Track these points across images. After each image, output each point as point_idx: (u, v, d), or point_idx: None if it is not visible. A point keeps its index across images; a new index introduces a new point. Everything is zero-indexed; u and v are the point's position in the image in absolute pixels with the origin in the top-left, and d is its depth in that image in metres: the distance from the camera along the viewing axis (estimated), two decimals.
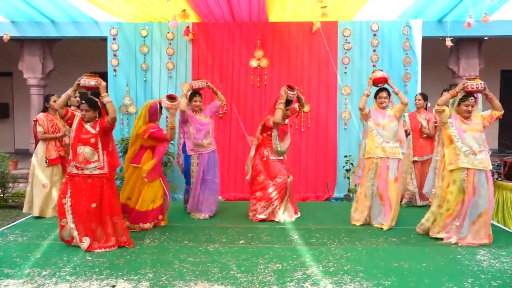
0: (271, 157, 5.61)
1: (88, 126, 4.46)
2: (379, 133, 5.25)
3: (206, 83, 5.76)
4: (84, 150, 4.39)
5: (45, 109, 5.97)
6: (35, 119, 5.89)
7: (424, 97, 6.45)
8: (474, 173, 4.52)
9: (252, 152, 5.70)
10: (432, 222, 4.83)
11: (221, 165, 7.19)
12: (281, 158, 5.70)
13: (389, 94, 5.35)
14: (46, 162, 5.72)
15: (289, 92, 5.38)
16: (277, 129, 5.56)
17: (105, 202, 4.43)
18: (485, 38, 7.49)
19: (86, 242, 4.36)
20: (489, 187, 4.58)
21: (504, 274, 3.77)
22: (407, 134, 6.52)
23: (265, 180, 5.60)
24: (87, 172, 4.38)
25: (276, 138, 5.58)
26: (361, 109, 5.33)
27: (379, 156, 5.20)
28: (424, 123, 6.32)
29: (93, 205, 4.37)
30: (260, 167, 5.63)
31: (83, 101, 4.49)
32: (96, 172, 4.40)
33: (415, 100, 6.47)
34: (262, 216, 5.55)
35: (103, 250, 4.34)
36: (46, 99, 5.98)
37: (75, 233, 4.39)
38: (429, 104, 6.54)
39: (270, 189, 5.55)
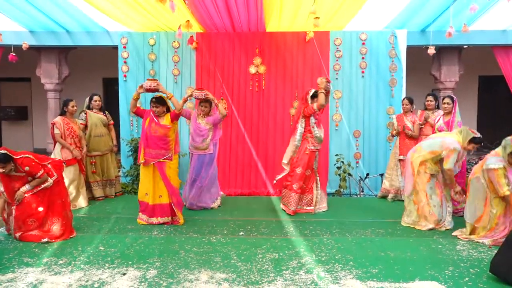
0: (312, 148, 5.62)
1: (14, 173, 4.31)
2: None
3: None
4: (27, 188, 4.37)
5: (62, 113, 5.95)
6: (52, 122, 5.87)
7: (411, 101, 6.41)
8: None
9: (298, 144, 5.64)
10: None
11: (222, 163, 7.22)
12: (319, 148, 5.71)
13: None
14: (64, 163, 5.70)
15: (329, 85, 5.46)
16: (315, 117, 5.56)
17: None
18: (465, 46, 7.50)
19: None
20: None
21: (481, 263, 3.78)
22: (395, 135, 6.54)
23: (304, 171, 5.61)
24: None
25: (315, 125, 5.59)
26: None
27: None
28: (409, 125, 6.32)
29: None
30: (305, 159, 5.59)
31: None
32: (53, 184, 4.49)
33: (402, 104, 6.46)
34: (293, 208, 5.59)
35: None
36: (65, 103, 5.94)
37: None
38: (414, 107, 6.55)
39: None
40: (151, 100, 5.01)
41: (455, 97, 5.71)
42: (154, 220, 5.05)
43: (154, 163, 4.96)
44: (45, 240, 4.33)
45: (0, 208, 4.49)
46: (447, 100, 5.76)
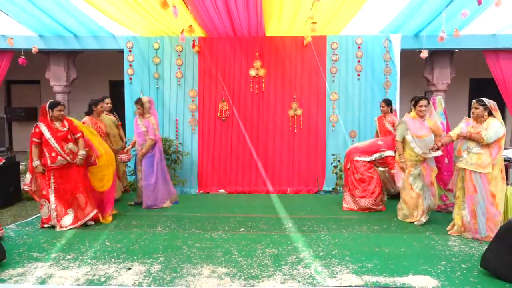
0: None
1: (58, 125, 4.78)
2: (417, 145, 4.83)
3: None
4: (69, 146, 4.77)
5: (90, 113, 5.94)
6: (83, 121, 5.86)
7: (387, 103, 6.22)
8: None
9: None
10: None
11: (224, 162, 7.22)
12: None
13: (428, 103, 4.93)
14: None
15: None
16: None
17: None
18: (456, 50, 7.49)
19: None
20: None
21: (472, 258, 3.78)
22: (377, 134, 6.43)
23: None
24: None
25: None
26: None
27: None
28: (389, 126, 6.19)
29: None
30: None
31: (61, 103, 4.83)
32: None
33: (380, 107, 6.32)
34: None
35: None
36: (95, 103, 5.92)
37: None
38: (394, 107, 6.47)
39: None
40: None
41: (432, 99, 5.66)
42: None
43: None
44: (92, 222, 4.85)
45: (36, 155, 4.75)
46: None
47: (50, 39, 7.37)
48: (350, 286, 3.20)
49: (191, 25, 6.14)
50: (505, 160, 5.00)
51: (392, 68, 7.12)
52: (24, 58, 6.75)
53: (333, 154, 6.93)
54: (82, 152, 4.82)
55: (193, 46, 7.10)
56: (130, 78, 7.32)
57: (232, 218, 5.23)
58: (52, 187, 4.70)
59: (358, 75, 7.17)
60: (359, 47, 7.16)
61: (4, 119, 7.54)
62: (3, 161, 6.07)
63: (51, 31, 7.15)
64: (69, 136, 4.77)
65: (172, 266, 3.57)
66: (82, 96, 7.14)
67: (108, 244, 4.17)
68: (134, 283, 3.24)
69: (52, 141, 4.64)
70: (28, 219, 5.19)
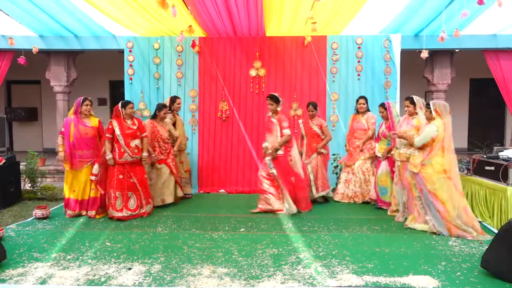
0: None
1: (129, 123, 5.24)
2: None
3: None
4: (135, 142, 5.21)
5: (154, 117, 5.93)
6: None
7: (315, 106, 6.06)
8: None
9: None
10: None
11: (224, 163, 7.22)
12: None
13: (412, 102, 5.05)
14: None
15: None
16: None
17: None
18: (456, 50, 7.49)
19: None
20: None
21: (473, 258, 3.77)
22: (302, 137, 6.24)
23: None
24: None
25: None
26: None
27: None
28: (316, 129, 6.04)
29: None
30: None
31: (131, 102, 5.33)
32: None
33: (308, 111, 6.12)
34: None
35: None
36: (159, 109, 5.89)
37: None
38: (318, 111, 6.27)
39: None
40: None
41: (387, 103, 5.61)
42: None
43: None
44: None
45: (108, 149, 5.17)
46: (380, 108, 5.69)
47: (51, 39, 7.38)
48: (350, 286, 3.19)
49: (190, 25, 6.13)
50: (505, 160, 4.99)
51: (392, 68, 7.12)
52: (24, 58, 6.75)
53: (333, 154, 6.90)
54: (144, 154, 5.29)
55: (193, 46, 7.10)
56: (131, 78, 7.31)
57: (232, 218, 5.22)
58: (115, 181, 5.11)
59: (358, 75, 7.17)
60: (359, 47, 7.15)
61: (4, 119, 7.53)
62: (3, 161, 6.07)
63: (52, 31, 7.16)
64: (137, 133, 5.23)
65: (172, 266, 3.57)
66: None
67: (108, 244, 4.17)
68: (134, 283, 3.24)
69: (120, 138, 5.10)
70: (28, 219, 5.19)
